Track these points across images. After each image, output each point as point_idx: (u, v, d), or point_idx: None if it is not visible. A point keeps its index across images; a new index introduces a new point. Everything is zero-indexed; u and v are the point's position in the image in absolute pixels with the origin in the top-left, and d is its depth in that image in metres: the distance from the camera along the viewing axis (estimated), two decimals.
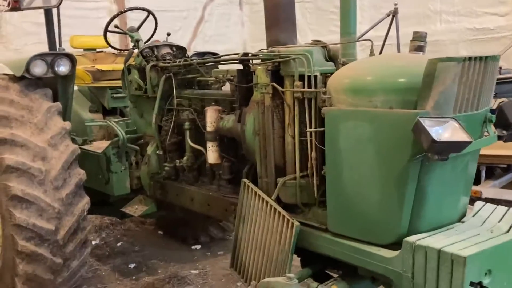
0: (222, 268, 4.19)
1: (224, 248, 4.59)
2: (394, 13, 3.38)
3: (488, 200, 2.48)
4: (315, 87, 2.32)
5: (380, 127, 1.95)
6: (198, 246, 4.65)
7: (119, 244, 4.81)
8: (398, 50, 3.94)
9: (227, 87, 3.52)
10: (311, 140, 2.35)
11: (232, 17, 9.36)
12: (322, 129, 2.23)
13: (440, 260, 1.79)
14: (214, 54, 3.85)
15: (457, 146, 1.77)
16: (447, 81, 1.82)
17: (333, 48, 2.55)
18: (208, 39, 8.90)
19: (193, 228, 4.60)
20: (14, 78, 3.41)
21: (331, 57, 2.52)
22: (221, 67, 3.53)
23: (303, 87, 2.33)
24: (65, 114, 3.49)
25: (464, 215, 2.19)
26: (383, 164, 1.97)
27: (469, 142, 1.75)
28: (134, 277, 4.07)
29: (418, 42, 2.26)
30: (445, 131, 1.76)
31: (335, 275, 2.49)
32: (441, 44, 6.65)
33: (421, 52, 2.25)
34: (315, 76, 2.33)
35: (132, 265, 4.30)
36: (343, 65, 2.33)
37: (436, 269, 1.81)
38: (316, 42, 2.63)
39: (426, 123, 1.75)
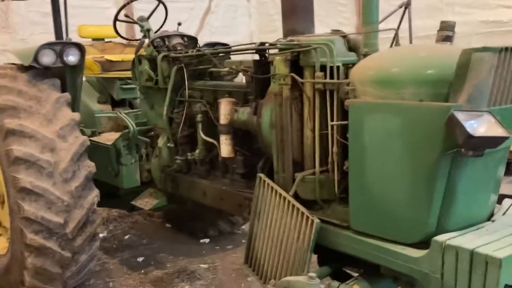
0: (231, 263, 4.12)
1: (233, 243, 4.52)
2: (406, 5, 3.28)
3: (505, 197, 2.37)
4: (337, 78, 2.23)
5: (409, 121, 1.85)
6: (207, 240, 4.57)
7: (126, 237, 4.74)
8: (410, 43, 3.85)
9: (239, 79, 3.44)
10: (332, 134, 2.26)
11: (239, 9, 9.24)
12: (345, 122, 2.13)
13: (473, 262, 1.70)
14: (224, 45, 3.75)
15: (494, 142, 1.68)
16: (482, 72, 1.72)
17: (353, 38, 2.45)
18: (214, 30, 8.79)
19: (202, 221, 4.52)
20: (22, 68, 3.33)
21: (351, 47, 2.42)
22: (234, 57, 3.45)
23: (325, 78, 2.24)
24: (74, 105, 3.42)
25: (492, 213, 2.10)
26: (411, 159, 1.88)
27: (507, 138, 1.66)
28: (142, 271, 3.99)
29: (446, 32, 2.15)
30: (480, 125, 1.67)
31: (353, 273, 2.42)
32: None
33: (449, 42, 2.15)
34: (338, 67, 2.23)
35: (140, 259, 4.23)
36: (364, 55, 2.23)
37: (469, 270, 1.72)
38: (335, 32, 2.53)
39: (460, 116, 1.65)
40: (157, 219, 5.13)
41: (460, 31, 6.86)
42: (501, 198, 2.21)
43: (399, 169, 1.93)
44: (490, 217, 2.06)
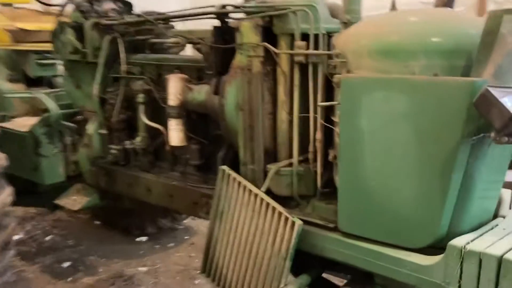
0: (175, 264, 3.79)
1: (175, 240, 4.17)
2: None
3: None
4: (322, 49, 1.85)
5: (422, 100, 1.52)
6: (144, 238, 4.17)
7: (48, 238, 4.22)
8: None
9: (187, 52, 2.99)
10: (315, 117, 1.88)
11: None
12: (336, 103, 1.75)
13: (502, 270, 1.42)
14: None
15: None
16: None
17: (330, 5, 2.08)
18: (143, 3, 8.09)
19: (137, 217, 4.10)
20: None
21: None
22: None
23: (307, 49, 1.84)
24: None
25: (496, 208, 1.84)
26: (423, 147, 1.55)
27: None
28: (70, 279, 3.55)
29: None
30: None
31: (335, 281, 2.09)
32: None
33: (450, 8, 1.85)
34: (323, 35, 1.84)
35: (66, 264, 3.76)
36: (346, 23, 1.87)
37: (495, 281, 1.44)
38: None
39: (497, 94, 1.33)
40: (84, 215, 4.62)
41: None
42: None
43: (406, 159, 1.60)
44: (496, 213, 1.80)
